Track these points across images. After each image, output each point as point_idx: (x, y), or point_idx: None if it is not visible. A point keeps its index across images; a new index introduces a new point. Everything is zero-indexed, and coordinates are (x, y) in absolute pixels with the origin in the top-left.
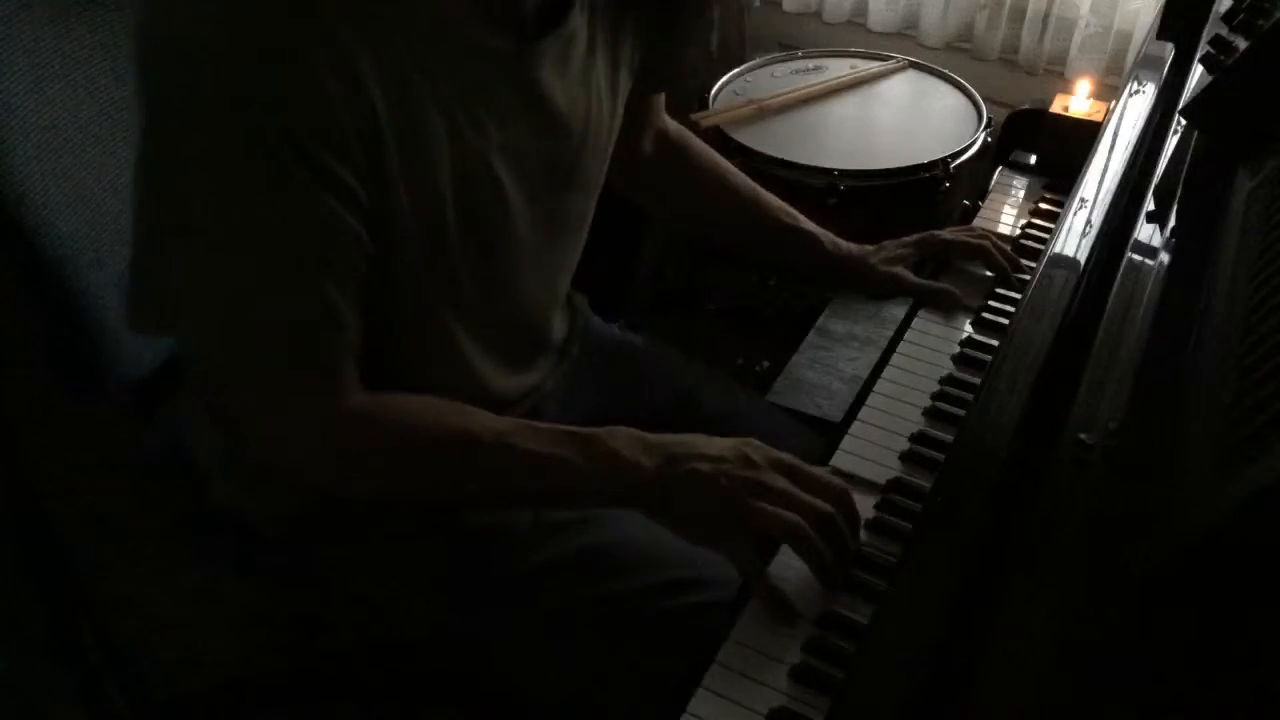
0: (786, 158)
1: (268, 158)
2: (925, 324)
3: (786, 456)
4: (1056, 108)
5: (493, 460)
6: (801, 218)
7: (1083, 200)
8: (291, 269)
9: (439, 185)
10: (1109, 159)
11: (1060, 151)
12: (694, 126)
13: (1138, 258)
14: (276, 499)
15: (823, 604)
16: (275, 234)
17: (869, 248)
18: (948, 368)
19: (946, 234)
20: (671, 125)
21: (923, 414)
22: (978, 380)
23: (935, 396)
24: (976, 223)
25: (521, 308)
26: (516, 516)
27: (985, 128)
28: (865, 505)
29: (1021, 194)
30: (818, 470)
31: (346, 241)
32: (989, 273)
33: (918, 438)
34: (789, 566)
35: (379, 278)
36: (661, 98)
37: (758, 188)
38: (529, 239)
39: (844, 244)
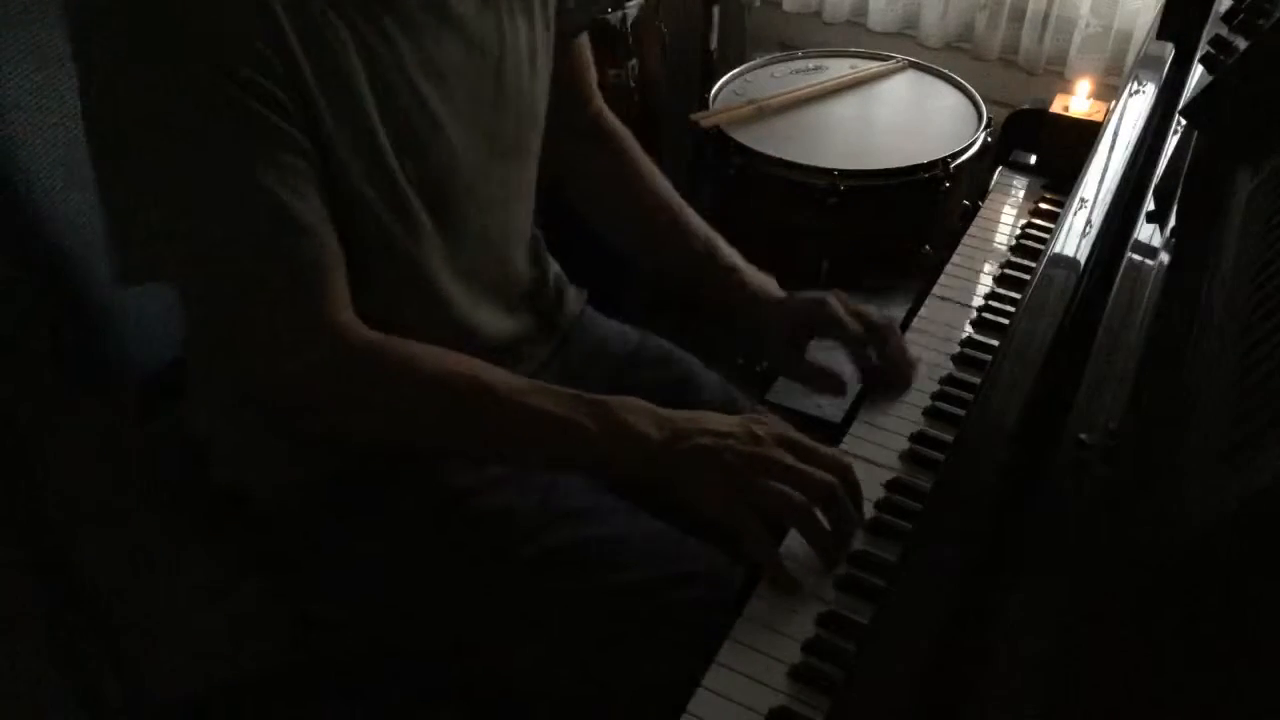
0: (786, 158)
1: (190, 73)
2: (925, 324)
3: (792, 432)
4: (1056, 108)
5: (504, 413)
6: (723, 244)
7: (1083, 200)
8: (236, 176)
9: (360, 97)
10: (1109, 159)
11: (1060, 151)
12: (694, 127)
13: (1138, 258)
14: (276, 470)
15: (821, 600)
16: (212, 147)
17: (780, 297)
18: (948, 368)
19: (843, 306)
20: (609, 116)
21: (923, 414)
22: (978, 380)
23: (935, 396)
24: (977, 223)
25: (481, 240)
26: (521, 503)
27: (985, 128)
28: (866, 505)
29: (1021, 194)
30: (823, 446)
31: (285, 144)
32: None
33: (918, 438)
34: (791, 551)
35: (341, 215)
36: (590, 71)
37: (683, 205)
38: (469, 163)
39: (760, 285)
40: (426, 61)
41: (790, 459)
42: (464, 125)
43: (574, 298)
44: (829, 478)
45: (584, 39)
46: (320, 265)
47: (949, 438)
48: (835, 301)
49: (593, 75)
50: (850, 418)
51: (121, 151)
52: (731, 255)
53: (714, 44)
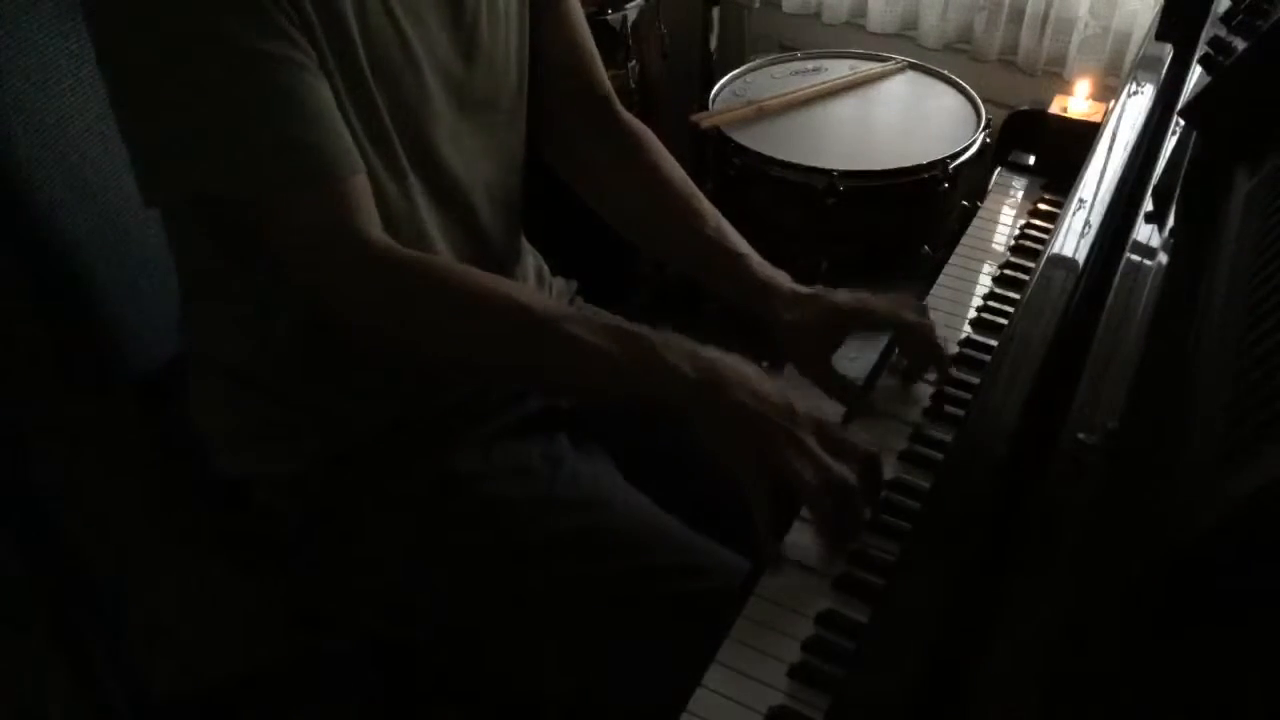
0: (786, 158)
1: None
2: None
3: (826, 420)
4: (1055, 108)
5: (537, 335)
6: (733, 233)
7: (1081, 200)
8: (250, 71)
9: (346, 23)
10: (1108, 159)
11: (1059, 152)
12: (694, 127)
13: (1136, 258)
14: (279, 460)
15: (821, 599)
16: (225, 41)
17: (801, 291)
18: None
19: (883, 308)
20: (624, 111)
21: (923, 414)
22: (977, 380)
23: (935, 396)
24: (975, 223)
25: (456, 189)
26: (527, 490)
27: (984, 128)
28: None
29: (1020, 194)
30: (853, 437)
31: (297, 51)
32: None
33: (917, 438)
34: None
35: None
36: (596, 60)
37: (696, 193)
38: (442, 110)
39: (771, 275)
40: (411, 7)
41: (816, 444)
42: (439, 73)
43: (561, 289)
44: (848, 477)
45: (582, 24)
46: (343, 165)
47: (948, 438)
48: (880, 299)
49: (599, 65)
50: (849, 418)
51: (138, 68)
52: (741, 244)
53: (714, 45)
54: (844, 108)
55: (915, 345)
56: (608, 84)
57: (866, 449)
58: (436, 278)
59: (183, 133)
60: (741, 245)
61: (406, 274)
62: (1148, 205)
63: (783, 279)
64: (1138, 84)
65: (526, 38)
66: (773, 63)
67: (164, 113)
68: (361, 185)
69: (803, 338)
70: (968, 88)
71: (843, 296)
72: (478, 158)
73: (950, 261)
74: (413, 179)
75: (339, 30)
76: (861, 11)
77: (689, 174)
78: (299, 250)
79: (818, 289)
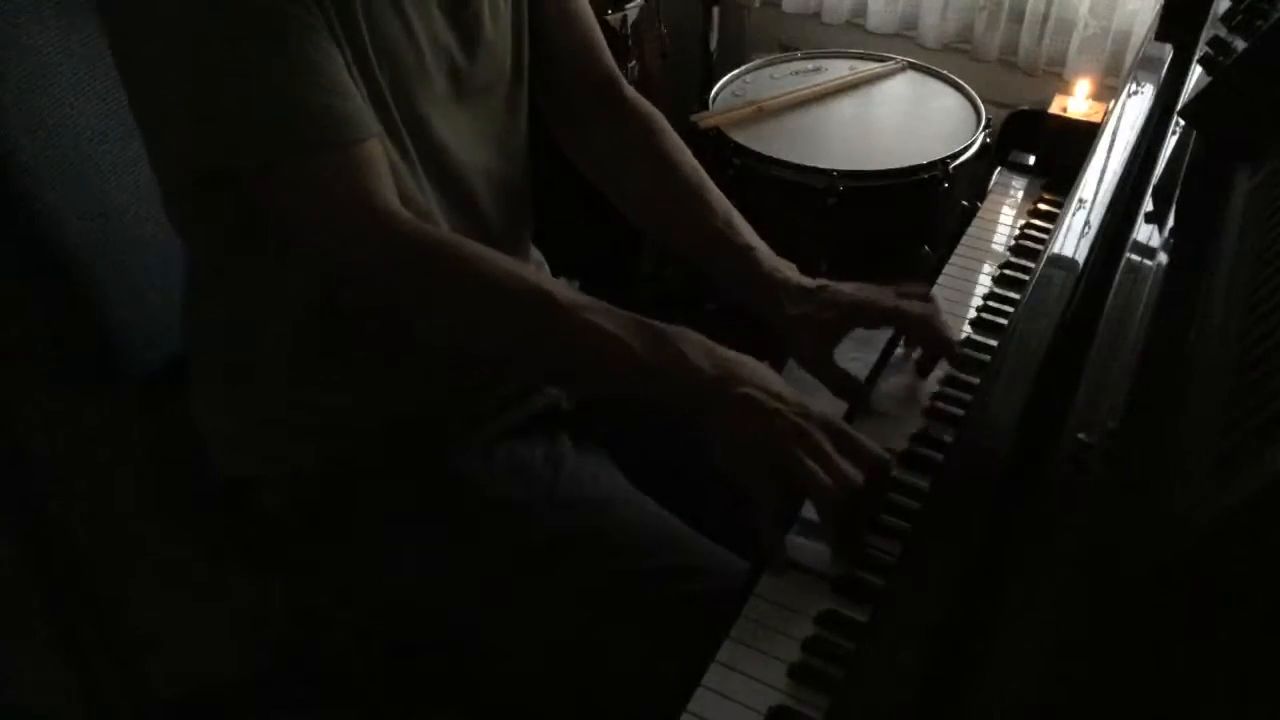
0: (786, 158)
1: None
2: None
3: (839, 422)
4: (1055, 108)
5: (557, 322)
6: (742, 224)
7: (1081, 201)
8: (269, 42)
9: (353, 8)
10: (1108, 159)
11: (1059, 152)
12: (694, 127)
13: (1136, 258)
14: (280, 460)
15: (821, 599)
16: (241, 18)
17: (807, 284)
18: (947, 367)
19: (887, 303)
20: (634, 93)
21: (923, 414)
22: (977, 380)
23: (935, 396)
24: (975, 223)
25: (456, 173)
26: (528, 492)
27: (984, 128)
28: None
29: (1020, 194)
30: (866, 440)
31: (314, 24)
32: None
33: (918, 438)
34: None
35: None
36: (598, 38)
37: (706, 182)
38: (441, 95)
39: (776, 267)
40: None
41: (829, 445)
42: (437, 53)
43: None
44: (856, 478)
45: (585, 8)
46: (357, 129)
47: (949, 438)
48: (885, 293)
49: (603, 47)
50: (849, 418)
51: (147, 35)
52: (750, 235)
53: (714, 45)
54: (844, 108)
55: (922, 337)
56: (614, 67)
57: (878, 453)
58: (455, 253)
59: (193, 99)
60: (749, 237)
61: (425, 246)
62: (1148, 205)
63: (788, 271)
64: (1138, 84)
65: (525, 24)
66: (773, 63)
67: (174, 80)
68: (376, 151)
69: (806, 332)
70: (968, 88)
71: (847, 290)
72: (476, 143)
73: (950, 261)
74: (415, 159)
75: (345, 6)
76: (861, 11)
77: None
78: (313, 218)
79: (822, 282)
